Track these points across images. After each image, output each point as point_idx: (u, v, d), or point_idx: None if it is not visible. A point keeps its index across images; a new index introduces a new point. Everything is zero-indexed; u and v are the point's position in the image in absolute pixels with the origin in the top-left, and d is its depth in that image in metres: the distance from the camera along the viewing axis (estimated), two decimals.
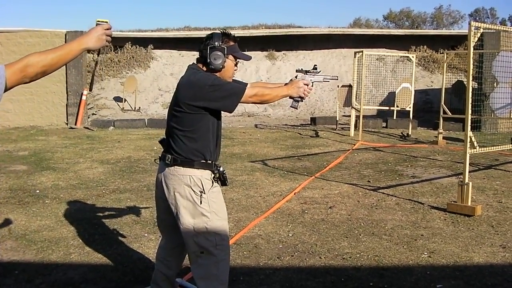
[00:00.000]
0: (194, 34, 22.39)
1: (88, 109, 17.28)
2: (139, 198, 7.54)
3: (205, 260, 3.53)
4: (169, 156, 3.56)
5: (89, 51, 2.74)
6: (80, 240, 5.71)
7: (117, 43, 20.35)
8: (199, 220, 3.49)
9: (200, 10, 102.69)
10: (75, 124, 16.17)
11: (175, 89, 3.70)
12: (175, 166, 3.53)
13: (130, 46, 21.20)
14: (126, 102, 19.24)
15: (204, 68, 3.65)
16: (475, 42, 6.97)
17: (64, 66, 16.38)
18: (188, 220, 3.50)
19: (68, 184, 8.44)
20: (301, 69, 4.02)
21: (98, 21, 2.72)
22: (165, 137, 3.77)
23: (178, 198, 3.51)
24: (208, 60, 3.59)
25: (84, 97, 16.52)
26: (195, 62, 3.75)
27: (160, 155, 3.76)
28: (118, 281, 4.64)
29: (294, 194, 7.74)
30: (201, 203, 3.48)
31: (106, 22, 2.71)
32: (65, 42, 16.46)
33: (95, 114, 18.02)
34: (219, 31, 3.70)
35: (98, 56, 3.39)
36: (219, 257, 3.53)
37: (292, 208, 6.99)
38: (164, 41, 21.65)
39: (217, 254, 3.52)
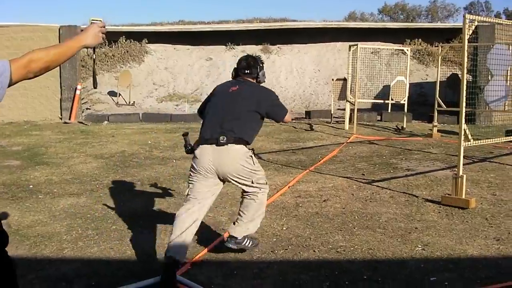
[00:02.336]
0: (189, 28, 22.33)
1: (82, 103, 17.23)
2: (133, 192, 7.54)
3: (261, 193, 4.95)
4: (224, 137, 4.66)
5: (86, 47, 2.92)
6: (73, 235, 5.70)
7: (111, 37, 20.26)
8: (256, 171, 4.88)
9: (195, 4, 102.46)
10: (69, 119, 16.12)
11: (239, 93, 4.94)
12: (229, 144, 4.67)
13: (124, 41, 21.12)
14: (120, 96, 19.19)
15: (254, 81, 5.16)
16: (470, 35, 6.95)
17: None
18: (251, 172, 4.81)
19: (62, 179, 8.41)
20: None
21: (93, 19, 2.95)
22: (207, 127, 4.89)
23: (238, 163, 4.73)
24: (259, 78, 5.18)
25: (78, 92, 16.47)
26: (236, 75, 5.22)
27: (187, 144, 5.08)
28: (112, 275, 4.63)
29: (289, 187, 7.74)
30: (254, 163, 4.86)
31: (100, 20, 2.95)
32: (59, 36, 16.42)
33: (89, 109, 17.96)
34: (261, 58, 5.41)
35: (94, 53, 3.46)
36: (266, 189, 5.03)
37: (286, 202, 6.98)
38: (158, 35, 21.58)
39: (266, 187, 5.02)
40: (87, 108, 17.80)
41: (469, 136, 6.99)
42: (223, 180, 4.84)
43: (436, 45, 20.17)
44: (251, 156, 4.86)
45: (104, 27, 2.90)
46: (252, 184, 4.86)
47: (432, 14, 56.45)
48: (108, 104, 18.82)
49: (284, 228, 5.93)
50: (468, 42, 7.04)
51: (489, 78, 11.23)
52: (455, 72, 18.22)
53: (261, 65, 5.23)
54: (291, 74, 21.84)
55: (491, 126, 13.81)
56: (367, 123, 15.53)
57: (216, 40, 21.85)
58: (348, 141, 12.18)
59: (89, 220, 6.23)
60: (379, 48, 19.62)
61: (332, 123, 15.46)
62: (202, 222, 6.06)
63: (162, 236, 5.64)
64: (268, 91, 5.14)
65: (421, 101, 19.54)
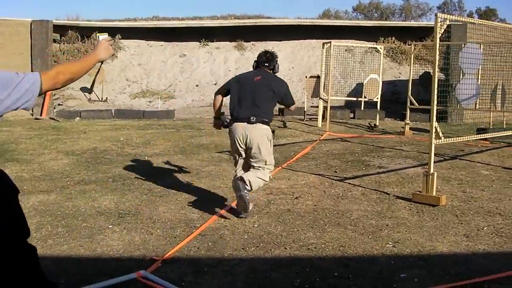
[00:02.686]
0: (163, 24, 22.25)
1: (54, 99, 17.05)
2: (104, 190, 7.47)
3: (267, 169, 6.35)
4: (254, 117, 6.15)
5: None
6: (43, 233, 5.64)
7: (84, 32, 20.10)
8: (270, 153, 6.41)
9: (169, 0, 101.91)
10: (41, 115, 15.92)
11: (262, 82, 6.38)
12: (258, 123, 6.17)
13: (97, 36, 20.95)
14: (93, 92, 19.02)
15: (271, 72, 6.59)
16: (442, 34, 7.02)
17: (29, 56, 16.18)
18: (267, 149, 6.29)
19: (32, 176, 8.32)
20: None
21: (100, 34, 3.75)
22: (242, 107, 6.26)
23: (262, 138, 6.21)
24: (275, 70, 6.61)
25: None
26: (257, 67, 6.63)
27: (225, 120, 6.45)
28: (82, 274, 4.58)
29: None
30: (271, 142, 6.34)
31: (106, 34, 3.60)
32: (30, 32, 16.23)
33: (61, 105, 17.78)
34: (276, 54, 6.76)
35: (101, 64, 3.87)
36: (272, 169, 6.54)
37: (259, 199, 6.99)
38: (132, 31, 21.45)
39: (272, 167, 6.54)
40: (59, 104, 17.62)
41: (440, 134, 7.05)
42: (247, 149, 6.27)
43: (409, 43, 20.38)
44: (271, 139, 6.38)
45: (110, 40, 3.50)
46: (264, 159, 6.26)
47: (406, 12, 56.93)
48: (81, 100, 18.64)
49: (256, 226, 5.93)
50: (440, 41, 7.11)
51: (461, 76, 11.35)
52: (427, 71, 18.38)
53: (276, 59, 6.63)
54: None
55: (463, 124, 13.96)
56: (340, 121, 15.61)
57: (190, 37, 21.79)
58: (321, 139, 12.23)
59: (59, 218, 6.17)
60: (352, 46, 19.71)
61: (306, 121, 15.51)
62: (172, 220, 6.08)
63: (133, 234, 5.61)
64: (282, 81, 6.66)
65: (394, 99, 19.70)
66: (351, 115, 16.51)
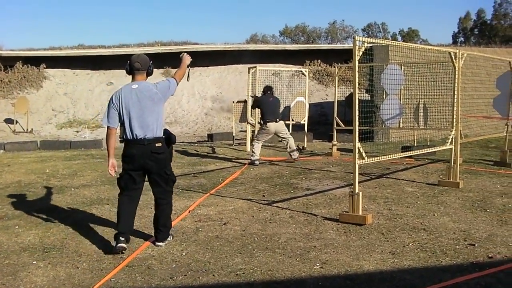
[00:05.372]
0: (88, 52, 22.01)
1: None
2: (28, 224, 7.25)
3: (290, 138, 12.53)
4: (278, 119, 12.42)
5: None
6: None
7: (7, 62, 19.66)
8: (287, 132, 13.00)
9: (94, 28, 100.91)
10: None
11: (274, 100, 12.51)
12: (280, 121, 12.60)
13: (21, 66, 20.51)
14: (17, 123, 18.55)
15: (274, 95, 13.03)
16: (361, 56, 7.19)
17: None
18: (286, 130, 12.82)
19: None
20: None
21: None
22: None
23: (283, 128, 12.66)
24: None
25: None
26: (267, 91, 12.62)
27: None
28: None
29: (189, 212, 7.69)
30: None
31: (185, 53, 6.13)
32: None
33: None
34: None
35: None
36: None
37: (186, 227, 6.93)
38: (57, 60, 21.13)
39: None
40: None
41: (363, 154, 7.19)
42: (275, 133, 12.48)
43: (335, 65, 20.82)
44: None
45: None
46: (285, 135, 12.46)
47: (331, 35, 58.20)
48: (5, 132, 18.16)
49: (184, 254, 5.88)
50: (363, 62, 7.29)
51: (384, 97, 11.65)
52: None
53: (273, 88, 12.95)
54: (193, 97, 21.88)
55: (389, 143, 14.32)
56: (269, 144, 15.73)
57: (117, 64, 21.63)
58: (249, 163, 12.27)
59: None
60: (279, 70, 19.95)
61: (234, 145, 15.57)
62: (99, 252, 5.95)
63: (58, 269, 5.46)
64: (278, 99, 12.84)
65: (322, 120, 20.04)
66: (279, 138, 16.63)
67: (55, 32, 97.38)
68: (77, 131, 19.28)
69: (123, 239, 5.94)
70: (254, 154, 12.30)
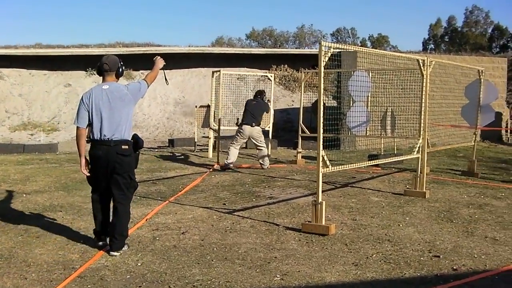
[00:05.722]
0: (46, 52, 21.72)
1: None
2: None
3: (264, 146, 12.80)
4: (253, 123, 12.48)
5: None
6: None
7: None
8: (263, 140, 12.90)
9: (53, 27, 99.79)
10: None
11: (256, 104, 12.67)
12: (255, 126, 12.66)
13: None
14: None
15: (261, 99, 13.01)
16: (328, 62, 7.21)
17: None
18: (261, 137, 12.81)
19: None
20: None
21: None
22: None
23: (259, 133, 12.70)
24: (264, 98, 13.16)
25: None
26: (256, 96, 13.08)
27: (238, 122, 12.79)
28: None
29: (146, 220, 7.62)
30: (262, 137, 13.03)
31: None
32: None
33: None
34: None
35: None
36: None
37: (143, 236, 6.86)
38: (12, 59, 20.80)
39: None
40: None
41: (327, 162, 7.21)
42: (250, 139, 12.53)
43: (302, 71, 20.90)
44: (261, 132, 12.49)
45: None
46: (259, 143, 12.45)
47: (299, 40, 58.45)
48: None
49: (139, 264, 5.81)
50: (330, 68, 7.31)
51: (351, 104, 11.73)
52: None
53: (264, 93, 13.13)
54: (154, 101, 21.77)
55: (355, 151, 14.41)
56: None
57: (76, 65, 21.43)
58: (211, 170, 12.28)
59: None
60: (245, 74, 19.96)
61: (196, 152, 15.52)
62: (49, 262, 5.85)
63: (4, 279, 5.34)
64: (266, 104, 13.19)
65: (287, 127, 20.12)
66: (243, 145, 16.64)
67: (10, 31, 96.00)
68: (32, 134, 19.01)
69: (103, 236, 6.25)
70: (228, 158, 12.43)
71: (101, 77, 6.35)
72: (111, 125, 6.02)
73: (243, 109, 12.71)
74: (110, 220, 6.27)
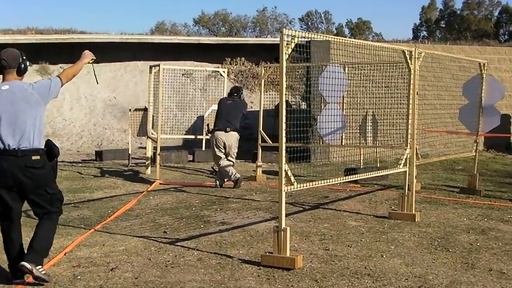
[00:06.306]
0: None
1: None
2: None
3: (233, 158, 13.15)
4: (229, 128, 12.47)
5: None
6: None
7: None
8: (236, 147, 13.24)
9: None
10: None
11: (232, 104, 12.76)
12: (231, 132, 12.62)
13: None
14: None
15: (239, 98, 13.29)
16: (292, 54, 7.23)
17: None
18: (236, 147, 13.05)
19: None
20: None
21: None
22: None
23: (235, 140, 12.83)
24: (241, 97, 13.51)
25: None
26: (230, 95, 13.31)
27: (209, 129, 13.26)
28: None
29: (65, 254, 7.53)
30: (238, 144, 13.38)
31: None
32: None
33: None
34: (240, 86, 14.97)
35: None
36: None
37: (61, 274, 6.77)
38: None
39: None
40: None
41: (292, 179, 7.22)
42: (226, 148, 12.48)
43: (263, 65, 20.94)
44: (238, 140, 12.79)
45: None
46: (233, 154, 12.71)
47: (260, 26, 58.62)
48: None
49: None
50: (296, 62, 7.33)
51: (323, 106, 11.75)
52: (285, 99, 18.91)
53: (241, 90, 13.55)
54: (78, 102, 21.62)
55: (329, 164, 14.49)
56: (176, 165, 15.74)
57: None
58: (149, 189, 12.27)
59: None
60: (192, 70, 19.95)
61: (131, 166, 15.45)
62: None
63: None
64: (244, 103, 13.72)
65: (245, 135, 20.08)
66: (190, 157, 16.67)
67: None
68: None
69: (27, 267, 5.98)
70: (231, 174, 12.40)
71: (1, 76, 6.30)
72: (16, 132, 5.96)
73: (216, 111, 12.63)
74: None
